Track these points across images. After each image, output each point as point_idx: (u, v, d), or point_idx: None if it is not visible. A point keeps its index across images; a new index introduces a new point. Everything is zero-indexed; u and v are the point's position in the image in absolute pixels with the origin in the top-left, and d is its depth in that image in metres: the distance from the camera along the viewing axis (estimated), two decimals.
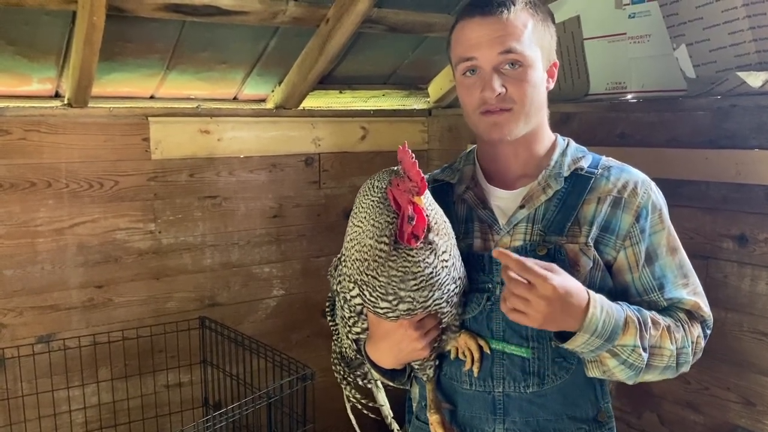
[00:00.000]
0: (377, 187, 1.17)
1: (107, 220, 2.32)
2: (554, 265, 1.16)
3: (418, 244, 1.13)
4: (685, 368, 1.30)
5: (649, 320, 1.23)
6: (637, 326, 1.21)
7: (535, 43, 1.28)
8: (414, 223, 1.12)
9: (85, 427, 2.34)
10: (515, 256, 1.13)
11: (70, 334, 2.27)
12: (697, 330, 1.30)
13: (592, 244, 1.28)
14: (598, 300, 1.18)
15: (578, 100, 2.40)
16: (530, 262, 1.13)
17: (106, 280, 2.34)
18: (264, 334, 2.61)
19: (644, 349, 1.21)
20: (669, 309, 1.31)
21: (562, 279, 1.14)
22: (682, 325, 1.28)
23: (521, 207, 1.32)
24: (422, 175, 1.12)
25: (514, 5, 1.26)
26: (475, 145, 1.48)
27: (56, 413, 2.27)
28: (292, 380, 2.04)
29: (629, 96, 2.29)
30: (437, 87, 2.94)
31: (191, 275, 2.51)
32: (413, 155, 1.13)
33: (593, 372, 1.25)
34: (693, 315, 1.31)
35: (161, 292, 2.45)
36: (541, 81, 1.30)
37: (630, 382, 1.27)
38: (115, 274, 2.35)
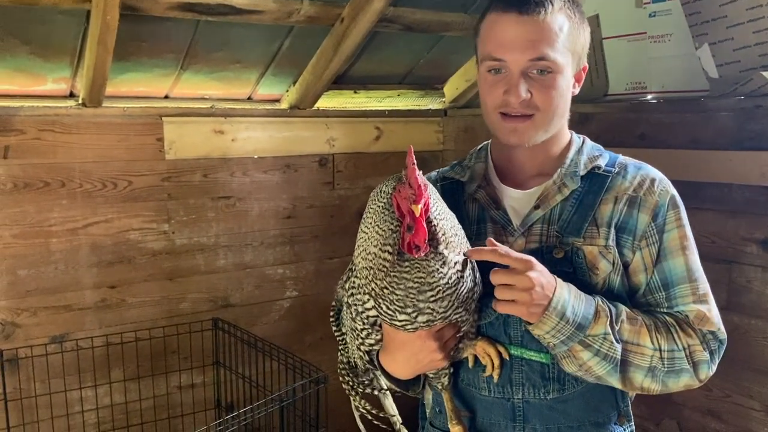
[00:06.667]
0: (384, 192, 1.13)
1: (121, 220, 2.31)
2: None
3: (420, 254, 1.08)
4: (688, 378, 1.20)
5: (624, 314, 1.19)
6: (608, 315, 1.17)
7: (568, 48, 1.24)
8: (413, 232, 1.07)
9: (98, 427, 2.33)
10: (488, 247, 1.13)
11: (83, 335, 2.26)
12: (692, 339, 1.20)
13: (613, 246, 1.24)
14: (565, 284, 1.16)
15: (597, 101, 2.36)
16: (504, 248, 1.13)
17: (119, 280, 2.33)
18: (277, 336, 2.59)
19: (617, 340, 1.16)
20: (663, 314, 1.24)
21: (533, 258, 1.14)
22: (669, 329, 1.21)
23: (536, 207, 1.28)
24: (421, 182, 1.06)
25: (553, 5, 1.21)
26: (487, 142, 1.44)
27: (69, 413, 2.26)
28: (305, 383, 2.02)
29: (649, 96, 2.25)
30: (453, 87, 2.91)
31: (204, 276, 2.50)
32: (414, 160, 1.08)
33: (569, 367, 1.20)
34: (691, 325, 1.22)
35: (174, 293, 2.44)
36: (567, 88, 1.26)
37: (619, 385, 1.19)
38: (129, 275, 2.34)
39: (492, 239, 1.16)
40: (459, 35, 2.48)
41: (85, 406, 2.29)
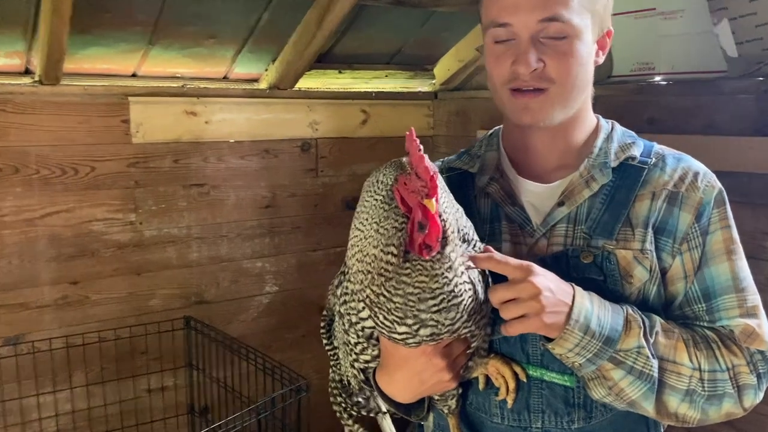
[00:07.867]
0: (382, 182, 0.95)
1: (83, 209, 2.16)
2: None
3: (432, 254, 0.91)
4: (731, 405, 1.03)
5: (658, 324, 1.03)
6: (641, 325, 1.01)
7: (586, 8, 1.06)
8: (426, 231, 0.90)
9: None
10: (483, 254, 0.98)
11: (41, 336, 2.10)
12: (738, 359, 1.04)
13: (651, 250, 1.07)
14: (585, 292, 1.01)
15: (600, 83, 2.19)
16: (500, 255, 0.98)
17: (81, 275, 2.18)
18: (256, 334, 2.47)
19: (652, 355, 1.00)
20: (703, 328, 1.08)
21: (531, 263, 0.99)
22: (710, 345, 1.05)
23: (560, 204, 1.11)
24: (432, 172, 0.89)
25: None
26: (498, 127, 1.27)
27: (24, 422, 2.10)
28: (285, 393, 1.85)
29: (657, 78, 2.09)
30: (444, 68, 2.78)
31: (176, 270, 2.36)
32: (421, 146, 0.91)
33: (598, 392, 1.03)
34: (736, 342, 1.06)
35: (143, 289, 2.29)
36: (588, 55, 1.09)
37: (652, 412, 1.02)
38: (92, 269, 2.19)
39: (488, 246, 1.00)
40: (452, 11, 2.34)
41: (43, 413, 2.13)
